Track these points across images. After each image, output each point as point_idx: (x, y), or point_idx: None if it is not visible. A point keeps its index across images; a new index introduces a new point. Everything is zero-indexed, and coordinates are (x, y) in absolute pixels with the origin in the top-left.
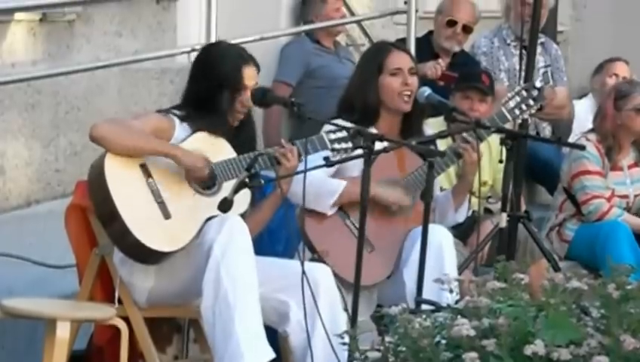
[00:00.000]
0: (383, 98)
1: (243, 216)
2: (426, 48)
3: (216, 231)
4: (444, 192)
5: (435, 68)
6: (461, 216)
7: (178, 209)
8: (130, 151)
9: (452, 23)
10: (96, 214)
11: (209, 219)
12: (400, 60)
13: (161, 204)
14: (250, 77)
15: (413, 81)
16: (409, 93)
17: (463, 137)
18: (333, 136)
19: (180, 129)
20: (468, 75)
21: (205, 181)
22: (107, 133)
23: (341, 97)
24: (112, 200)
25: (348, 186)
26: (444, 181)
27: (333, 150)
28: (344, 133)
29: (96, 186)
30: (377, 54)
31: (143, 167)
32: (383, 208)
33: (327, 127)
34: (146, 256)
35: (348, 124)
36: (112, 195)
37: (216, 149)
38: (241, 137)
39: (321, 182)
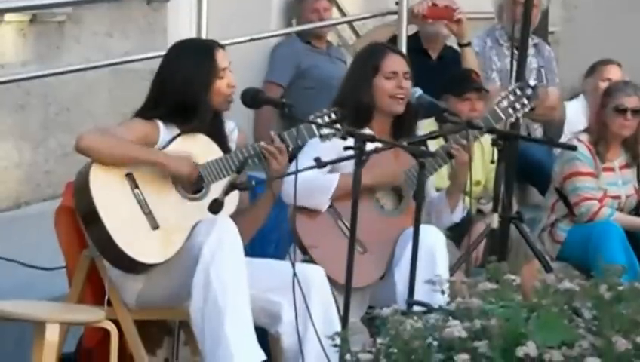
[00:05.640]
0: (377, 100)
1: (235, 218)
2: (415, 46)
3: (206, 233)
4: (438, 193)
5: (422, 4)
6: (457, 216)
7: (166, 218)
8: (117, 162)
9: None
10: (82, 224)
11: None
12: (396, 64)
13: (149, 215)
14: (224, 58)
15: (408, 84)
16: (402, 96)
17: (456, 138)
18: (320, 121)
19: (165, 132)
20: (459, 78)
21: (193, 185)
22: (94, 143)
23: (334, 97)
24: (98, 213)
25: (341, 178)
26: (438, 181)
27: (321, 136)
28: (332, 116)
29: (81, 197)
30: (373, 56)
31: (129, 177)
32: (376, 209)
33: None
34: (133, 267)
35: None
36: (97, 208)
37: (202, 151)
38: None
39: (314, 179)
